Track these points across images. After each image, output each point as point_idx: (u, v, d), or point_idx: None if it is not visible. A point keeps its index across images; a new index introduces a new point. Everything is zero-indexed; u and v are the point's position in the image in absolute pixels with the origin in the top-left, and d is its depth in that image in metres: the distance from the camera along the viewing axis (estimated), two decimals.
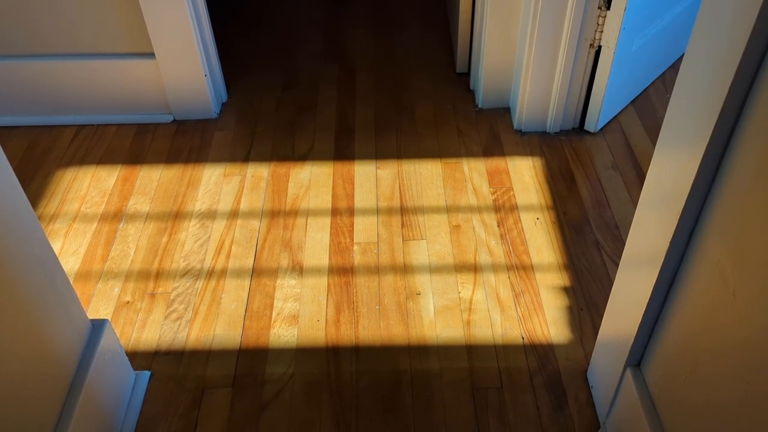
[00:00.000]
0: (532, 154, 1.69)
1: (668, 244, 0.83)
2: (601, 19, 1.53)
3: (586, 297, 1.35)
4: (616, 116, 1.78)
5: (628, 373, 0.99)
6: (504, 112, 1.82)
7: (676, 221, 0.80)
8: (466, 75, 1.94)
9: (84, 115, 1.82)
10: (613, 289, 1.05)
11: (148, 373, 1.24)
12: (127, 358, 1.19)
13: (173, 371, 1.24)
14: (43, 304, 0.94)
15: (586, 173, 1.63)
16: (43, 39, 1.69)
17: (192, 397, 1.20)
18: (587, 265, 1.41)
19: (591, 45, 1.58)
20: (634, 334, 0.96)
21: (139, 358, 1.27)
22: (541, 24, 1.54)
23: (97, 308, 1.36)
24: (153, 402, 1.20)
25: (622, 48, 1.57)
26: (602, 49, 1.58)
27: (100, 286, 1.40)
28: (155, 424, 1.17)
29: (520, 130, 1.75)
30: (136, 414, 1.17)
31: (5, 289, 0.84)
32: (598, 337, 1.15)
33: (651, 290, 0.89)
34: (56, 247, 1.48)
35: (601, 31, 1.55)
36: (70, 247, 1.48)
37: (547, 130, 1.75)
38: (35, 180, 1.65)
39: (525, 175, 1.63)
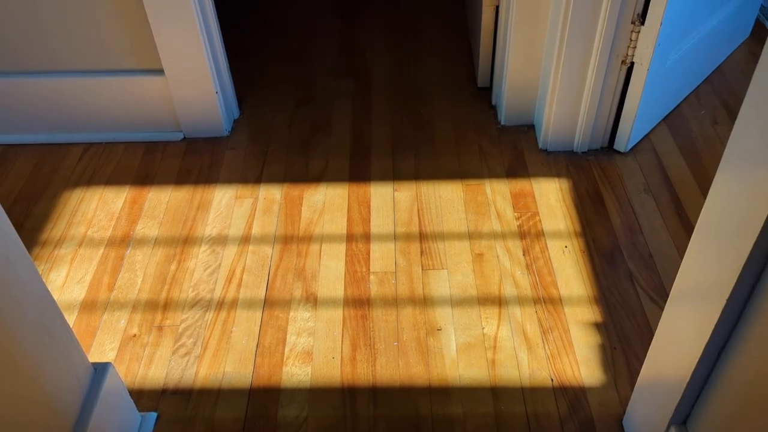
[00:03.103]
0: (558, 175, 1.60)
1: (736, 278, 0.72)
2: (634, 35, 1.44)
3: (620, 334, 1.26)
4: (647, 135, 1.69)
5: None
6: (528, 129, 1.74)
7: (748, 251, 0.69)
8: (488, 89, 1.86)
9: (92, 132, 1.76)
10: (658, 330, 0.96)
11: (154, 415, 1.17)
12: (132, 401, 1.12)
13: (181, 413, 1.18)
14: (41, 353, 0.87)
15: (617, 197, 1.54)
16: (50, 55, 1.63)
17: None
18: (620, 299, 1.32)
19: (623, 61, 1.49)
20: (684, 386, 0.87)
21: (145, 398, 1.20)
22: (570, 39, 1.45)
23: (103, 341, 1.29)
24: None
25: (656, 64, 1.48)
26: (635, 65, 1.49)
27: (106, 318, 1.34)
28: None
29: (546, 150, 1.67)
30: None
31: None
32: (638, 383, 1.06)
33: (710, 332, 0.79)
34: (62, 274, 1.42)
35: (635, 47, 1.46)
36: (75, 275, 1.42)
37: (574, 150, 1.66)
38: (41, 201, 1.59)
39: (551, 199, 1.54)
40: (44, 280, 1.41)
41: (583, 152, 1.66)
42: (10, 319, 0.81)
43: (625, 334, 1.26)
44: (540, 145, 1.68)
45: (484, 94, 1.86)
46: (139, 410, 1.17)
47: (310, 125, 1.79)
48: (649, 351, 1.00)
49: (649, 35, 1.42)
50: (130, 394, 1.20)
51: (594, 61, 1.48)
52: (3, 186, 1.64)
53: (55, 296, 1.38)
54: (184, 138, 1.76)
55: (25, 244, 1.49)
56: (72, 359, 0.95)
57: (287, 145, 1.73)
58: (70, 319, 1.33)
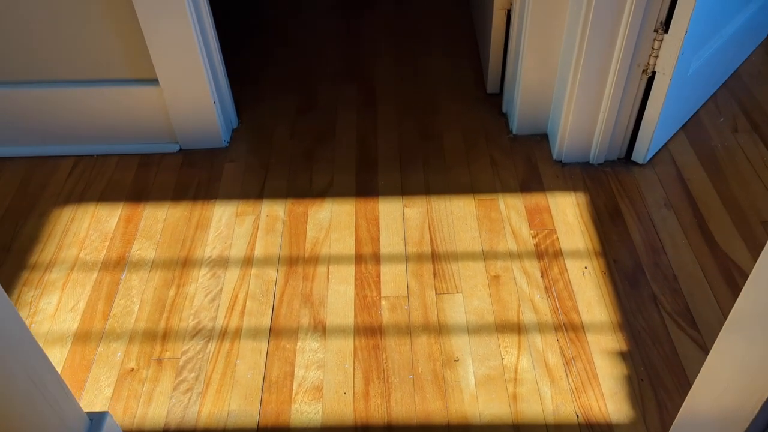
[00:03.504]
0: (575, 188, 1.53)
1: None
2: (656, 44, 1.36)
3: (646, 364, 1.20)
4: (665, 144, 1.62)
5: None
6: (541, 139, 1.66)
7: None
8: (498, 96, 1.78)
9: (82, 144, 1.67)
10: (708, 362, 0.87)
11: None
12: None
13: None
14: (31, 413, 0.79)
15: (636, 212, 1.47)
16: (40, 64, 1.53)
17: None
18: (645, 326, 1.25)
19: (644, 71, 1.42)
20: (746, 427, 0.79)
21: None
22: (589, 47, 1.38)
23: (98, 377, 1.22)
24: None
25: (678, 73, 1.40)
26: (656, 75, 1.41)
27: (102, 350, 1.26)
28: None
29: (560, 161, 1.59)
30: None
31: None
32: (677, 422, 0.99)
33: None
34: (53, 301, 1.34)
35: (656, 56, 1.38)
36: (68, 303, 1.34)
37: (591, 161, 1.59)
38: (30, 220, 1.51)
39: (568, 215, 1.47)
40: (35, 308, 1.33)
41: (599, 164, 1.58)
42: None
43: (651, 363, 1.20)
44: (554, 156, 1.60)
45: (493, 101, 1.78)
46: None
47: (313, 135, 1.70)
48: (694, 385, 0.93)
49: (672, 44, 1.35)
50: None
51: (614, 70, 1.40)
52: None
53: (46, 326, 1.30)
54: (181, 150, 1.67)
55: (14, 268, 1.41)
56: (64, 414, 0.88)
57: (289, 157, 1.64)
58: (63, 351, 1.25)
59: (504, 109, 1.74)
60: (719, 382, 0.85)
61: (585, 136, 1.55)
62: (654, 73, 1.41)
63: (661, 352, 1.22)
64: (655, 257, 1.37)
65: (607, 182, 1.54)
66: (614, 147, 1.57)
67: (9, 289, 1.36)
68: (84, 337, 1.28)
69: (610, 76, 1.42)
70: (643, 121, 1.50)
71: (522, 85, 1.59)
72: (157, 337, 1.28)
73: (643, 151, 1.55)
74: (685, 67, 1.43)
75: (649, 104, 1.47)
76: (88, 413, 0.94)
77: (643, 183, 1.53)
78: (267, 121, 1.75)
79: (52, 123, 1.63)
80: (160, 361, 1.24)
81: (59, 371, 1.23)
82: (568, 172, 1.57)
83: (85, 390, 1.20)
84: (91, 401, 1.18)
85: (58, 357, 1.25)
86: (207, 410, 1.16)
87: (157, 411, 1.17)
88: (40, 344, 1.26)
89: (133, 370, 1.23)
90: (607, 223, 1.45)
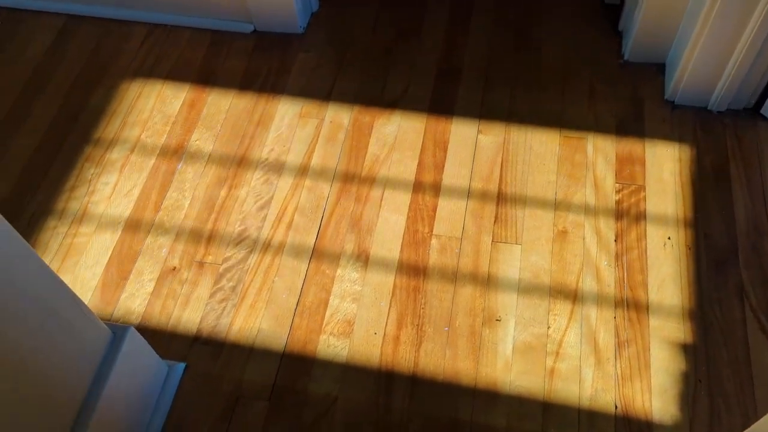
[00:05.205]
0: (681, 138, 1.32)
1: None
2: None
3: (710, 365, 1.07)
4: None
5: None
6: (656, 70, 1.42)
7: None
8: (617, 8, 1.51)
9: (158, 12, 1.59)
10: None
11: (182, 366, 1.12)
12: (157, 357, 1.07)
13: (209, 367, 1.12)
14: (45, 337, 0.80)
15: (748, 179, 1.25)
16: None
17: (225, 406, 1.09)
18: (720, 320, 1.11)
19: None
20: None
21: (177, 343, 1.15)
22: None
23: (142, 270, 1.23)
24: (183, 403, 1.09)
25: None
26: None
27: (149, 242, 1.27)
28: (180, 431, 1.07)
29: (672, 102, 1.36)
30: (163, 417, 1.07)
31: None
32: None
33: None
34: (111, 182, 1.34)
35: None
36: (124, 186, 1.34)
37: (709, 107, 1.35)
38: (98, 92, 1.48)
39: (664, 170, 1.28)
40: (93, 187, 1.34)
41: (719, 112, 1.34)
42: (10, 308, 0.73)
43: (716, 365, 1.07)
44: (666, 95, 1.37)
45: (610, 14, 1.52)
46: (169, 358, 1.12)
47: (397, 30, 1.54)
48: None
49: None
50: (163, 336, 1.16)
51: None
52: (61, 66, 1.53)
53: (101, 208, 1.31)
54: (255, 31, 1.56)
55: (78, 140, 1.41)
56: (82, 335, 0.88)
57: (366, 52, 1.50)
58: (114, 237, 1.27)
59: (620, 26, 1.48)
60: None
61: (710, 75, 1.30)
62: None
63: (732, 354, 1.08)
64: (756, 239, 1.18)
65: (723, 136, 1.31)
66: (743, 94, 1.32)
67: (72, 163, 1.38)
68: (134, 226, 1.29)
69: (760, 5, 1.15)
70: None
71: None
72: (202, 238, 1.26)
73: None
74: None
75: None
76: (111, 326, 0.95)
77: (767, 144, 1.29)
78: (348, 8, 1.58)
79: None
80: (201, 264, 1.23)
81: (107, 257, 1.25)
82: (679, 117, 1.35)
83: (129, 281, 1.22)
84: (132, 293, 1.21)
85: (108, 242, 1.27)
86: (238, 324, 1.16)
87: (192, 315, 1.18)
88: (93, 226, 1.28)
89: (175, 269, 1.23)
90: (709, 188, 1.25)
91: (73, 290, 0.86)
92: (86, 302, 1.19)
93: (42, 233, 1.28)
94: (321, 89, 1.45)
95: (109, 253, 1.26)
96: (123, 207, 1.32)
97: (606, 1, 1.53)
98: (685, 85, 1.33)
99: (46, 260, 1.25)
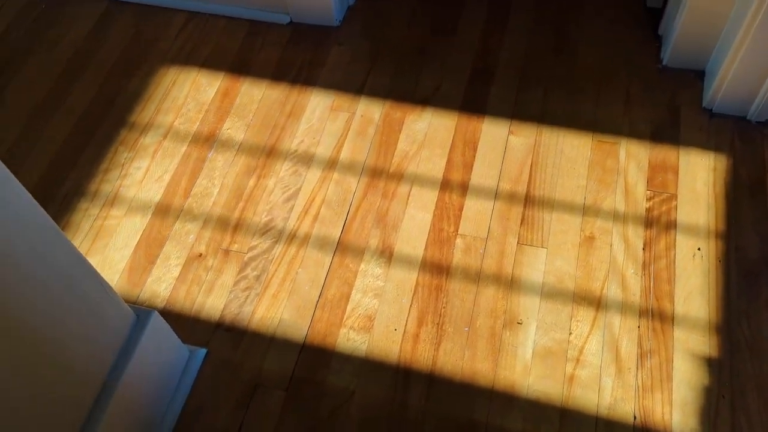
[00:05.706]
0: (717, 148, 1.29)
1: None
2: None
3: (734, 381, 1.05)
4: None
5: None
6: (694, 78, 1.39)
7: None
8: (658, 12, 1.48)
9: (197, 0, 1.61)
10: None
11: (203, 352, 1.14)
12: (179, 341, 1.09)
13: (230, 354, 1.14)
14: (67, 318, 0.82)
15: None
16: None
17: (243, 393, 1.10)
18: (749, 335, 1.08)
19: None
20: None
21: (199, 329, 1.17)
22: None
23: (169, 254, 1.25)
24: (203, 388, 1.11)
25: None
26: None
27: (177, 228, 1.29)
28: (198, 417, 1.09)
29: (710, 110, 1.33)
30: (183, 400, 1.09)
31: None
32: None
33: None
34: (143, 167, 1.37)
35: None
36: (156, 172, 1.36)
37: (748, 117, 1.31)
38: (135, 77, 1.51)
39: (698, 180, 1.25)
40: (126, 170, 1.37)
41: (758, 122, 1.31)
42: (32, 286, 0.75)
43: (741, 381, 1.05)
44: (704, 103, 1.34)
45: (652, 18, 1.49)
46: (191, 343, 1.14)
47: (432, 26, 1.53)
48: None
49: None
50: (186, 321, 1.18)
51: None
52: (102, 50, 1.56)
53: (132, 192, 1.33)
54: (291, 22, 1.57)
55: (114, 123, 1.44)
56: (106, 315, 0.90)
57: (401, 48, 1.49)
58: (143, 221, 1.29)
59: (661, 30, 1.45)
60: None
61: (751, 84, 1.27)
62: None
63: (758, 370, 1.05)
64: None
65: (762, 147, 1.28)
66: None
67: (107, 146, 1.40)
68: (164, 211, 1.31)
69: None
70: None
71: (690, 2, 1.29)
72: (229, 226, 1.28)
73: None
74: None
75: None
76: (135, 309, 0.97)
77: None
78: (386, 3, 1.58)
79: None
80: (227, 252, 1.25)
81: (136, 240, 1.28)
82: (716, 126, 1.32)
83: (155, 266, 1.24)
84: (159, 277, 1.23)
85: (138, 226, 1.29)
86: (260, 313, 1.18)
87: (216, 302, 1.20)
88: (124, 210, 1.31)
89: (201, 255, 1.25)
90: (744, 200, 1.22)
91: (102, 272, 0.88)
92: (113, 284, 1.21)
93: (74, 214, 1.31)
94: (353, 83, 1.45)
95: (138, 236, 1.28)
96: (153, 192, 1.34)
97: (648, 4, 1.50)
98: (724, 93, 1.30)
99: (77, 241, 1.28)
